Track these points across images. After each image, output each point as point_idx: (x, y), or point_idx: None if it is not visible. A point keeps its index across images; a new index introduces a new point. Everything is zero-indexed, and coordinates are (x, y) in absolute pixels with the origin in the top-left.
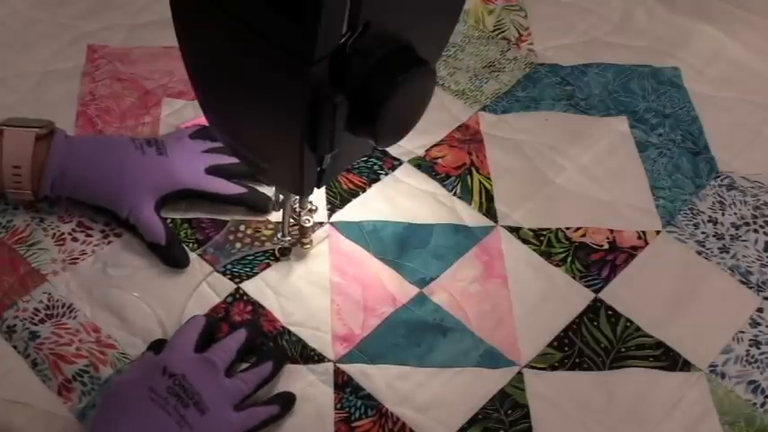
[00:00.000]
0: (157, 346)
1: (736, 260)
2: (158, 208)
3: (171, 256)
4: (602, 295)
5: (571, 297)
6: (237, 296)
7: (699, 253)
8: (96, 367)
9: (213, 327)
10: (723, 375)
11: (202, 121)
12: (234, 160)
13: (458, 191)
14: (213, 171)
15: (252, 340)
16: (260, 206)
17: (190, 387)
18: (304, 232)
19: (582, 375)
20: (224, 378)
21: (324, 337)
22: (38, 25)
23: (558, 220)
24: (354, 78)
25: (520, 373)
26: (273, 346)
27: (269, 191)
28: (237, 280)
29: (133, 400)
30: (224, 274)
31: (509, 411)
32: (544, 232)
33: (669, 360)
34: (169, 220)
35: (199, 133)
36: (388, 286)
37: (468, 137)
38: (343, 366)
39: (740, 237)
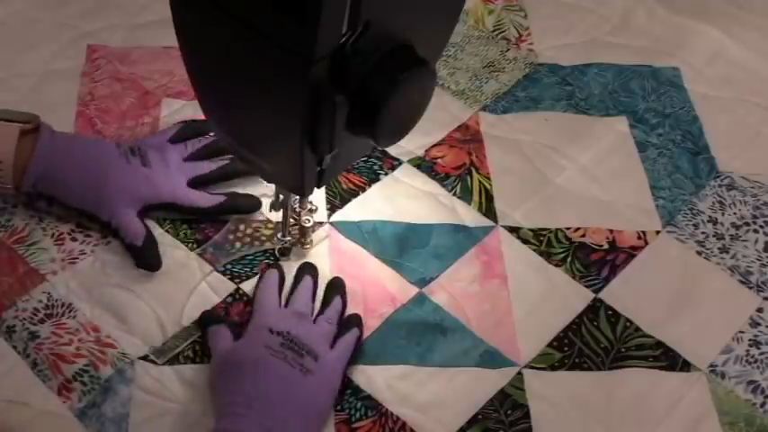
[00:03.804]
0: (210, 320)
1: (736, 260)
2: (140, 216)
3: (144, 258)
4: (601, 295)
5: (571, 297)
6: (237, 296)
7: (699, 253)
8: (96, 367)
9: (283, 277)
10: (723, 375)
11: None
12: (215, 165)
13: (458, 191)
14: (196, 181)
15: (317, 284)
16: (244, 209)
17: (297, 339)
18: (304, 232)
19: (582, 375)
20: (313, 324)
21: None
22: (38, 25)
23: (558, 220)
24: (354, 78)
25: (520, 373)
26: (338, 281)
27: (268, 190)
28: (237, 280)
29: (256, 359)
30: (224, 273)
31: (509, 411)
32: (544, 232)
33: (669, 360)
34: (168, 221)
35: (179, 135)
36: (388, 286)
37: (468, 137)
38: None
39: (740, 237)
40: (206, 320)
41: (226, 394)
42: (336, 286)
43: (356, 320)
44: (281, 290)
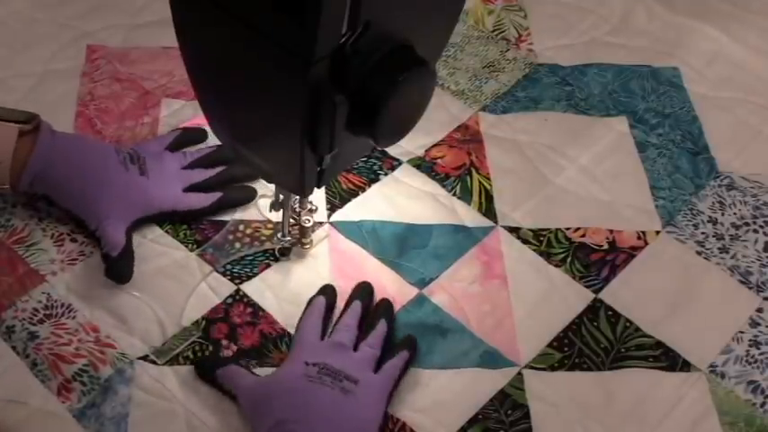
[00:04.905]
0: (210, 366)
1: (736, 260)
2: (130, 230)
3: (115, 268)
4: (601, 295)
5: (571, 297)
6: (237, 297)
7: (699, 253)
8: (96, 367)
9: (332, 301)
10: (723, 375)
11: (202, 121)
12: (213, 173)
13: (457, 191)
14: (193, 188)
15: (367, 308)
16: (241, 200)
17: (334, 368)
18: (304, 232)
19: (582, 376)
20: (354, 352)
21: None
22: (38, 25)
23: (558, 221)
24: (354, 78)
25: (520, 373)
26: (386, 304)
27: (268, 190)
28: (238, 281)
29: (296, 386)
30: (224, 274)
31: (509, 411)
32: (544, 232)
33: (669, 360)
34: (168, 222)
35: (177, 141)
36: (388, 287)
37: (467, 137)
38: None
39: (740, 237)
40: (206, 367)
41: (268, 418)
42: (383, 309)
43: (409, 343)
44: (330, 314)
